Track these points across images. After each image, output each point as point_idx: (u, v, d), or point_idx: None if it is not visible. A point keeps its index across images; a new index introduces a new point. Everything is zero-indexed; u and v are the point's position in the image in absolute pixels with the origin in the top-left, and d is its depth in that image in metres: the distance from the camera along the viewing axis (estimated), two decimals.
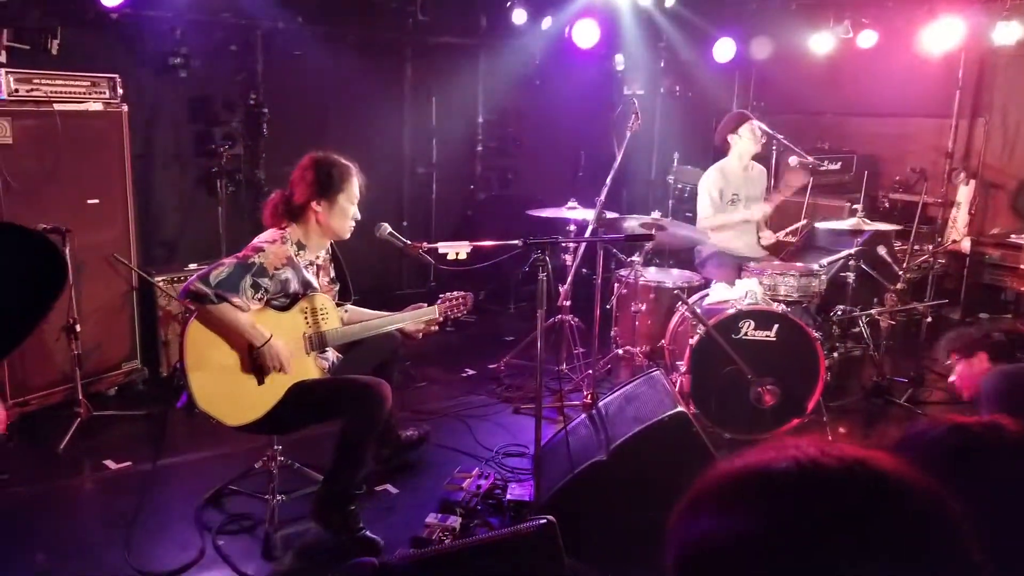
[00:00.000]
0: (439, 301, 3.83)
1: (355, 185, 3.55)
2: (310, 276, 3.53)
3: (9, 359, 4.38)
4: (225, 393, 3.30)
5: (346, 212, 3.52)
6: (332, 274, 3.78)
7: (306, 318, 3.50)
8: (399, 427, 4.17)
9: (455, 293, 3.86)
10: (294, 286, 3.44)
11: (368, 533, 3.42)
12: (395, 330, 3.79)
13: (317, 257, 3.63)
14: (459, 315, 3.91)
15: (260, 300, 3.32)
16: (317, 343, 3.51)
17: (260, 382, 3.35)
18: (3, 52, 4.76)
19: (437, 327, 3.85)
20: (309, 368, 3.50)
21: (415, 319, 3.75)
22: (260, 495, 3.65)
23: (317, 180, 3.45)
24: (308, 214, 3.48)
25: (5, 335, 1.13)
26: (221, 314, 3.23)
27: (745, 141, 5.48)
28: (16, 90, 4.33)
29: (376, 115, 7.21)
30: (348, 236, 3.60)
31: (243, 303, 3.26)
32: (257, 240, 3.43)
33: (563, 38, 7.13)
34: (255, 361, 3.33)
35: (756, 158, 5.67)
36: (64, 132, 4.47)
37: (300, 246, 3.49)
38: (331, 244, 3.73)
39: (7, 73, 4.31)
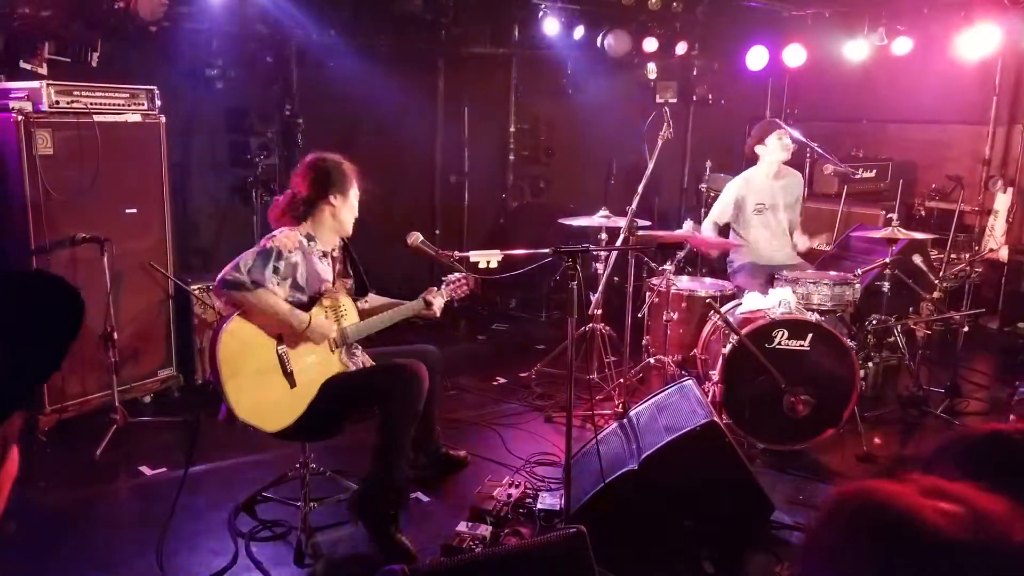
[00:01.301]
0: (443, 284, 3.88)
1: (357, 182, 3.68)
2: (322, 266, 3.58)
3: None
4: (261, 400, 3.35)
5: (355, 206, 3.65)
6: (348, 269, 3.82)
7: (327, 316, 3.56)
8: (441, 437, 4.17)
9: (455, 275, 3.90)
10: (301, 272, 3.47)
11: (404, 539, 3.44)
12: (433, 347, 3.88)
13: (332, 249, 3.68)
14: (463, 295, 3.95)
15: (279, 284, 3.40)
16: (340, 340, 3.59)
17: (292, 385, 3.40)
18: (44, 65, 4.86)
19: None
20: (335, 365, 3.56)
21: (419, 308, 3.80)
22: (293, 502, 3.67)
23: (331, 177, 3.56)
24: (322, 209, 3.56)
25: (22, 383, 1.15)
26: (261, 300, 3.31)
27: (772, 151, 5.44)
28: (57, 102, 4.42)
29: (409, 125, 7.26)
30: (351, 231, 3.68)
31: (275, 289, 3.36)
32: (267, 236, 3.52)
33: (595, 47, 7.14)
34: (284, 363, 3.39)
35: (791, 164, 5.62)
36: (103, 143, 4.55)
37: (310, 238, 3.56)
38: (343, 240, 3.76)
39: (48, 85, 4.41)
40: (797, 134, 5.49)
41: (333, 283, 3.65)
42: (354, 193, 3.64)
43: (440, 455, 4.12)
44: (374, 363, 3.76)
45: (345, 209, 3.61)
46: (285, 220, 3.57)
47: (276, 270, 3.38)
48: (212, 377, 3.33)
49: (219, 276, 3.35)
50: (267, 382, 3.36)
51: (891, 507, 0.85)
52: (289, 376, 3.40)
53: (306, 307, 3.50)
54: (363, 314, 3.73)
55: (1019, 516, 0.82)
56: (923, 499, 0.84)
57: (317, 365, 3.50)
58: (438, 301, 3.82)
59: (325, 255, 3.62)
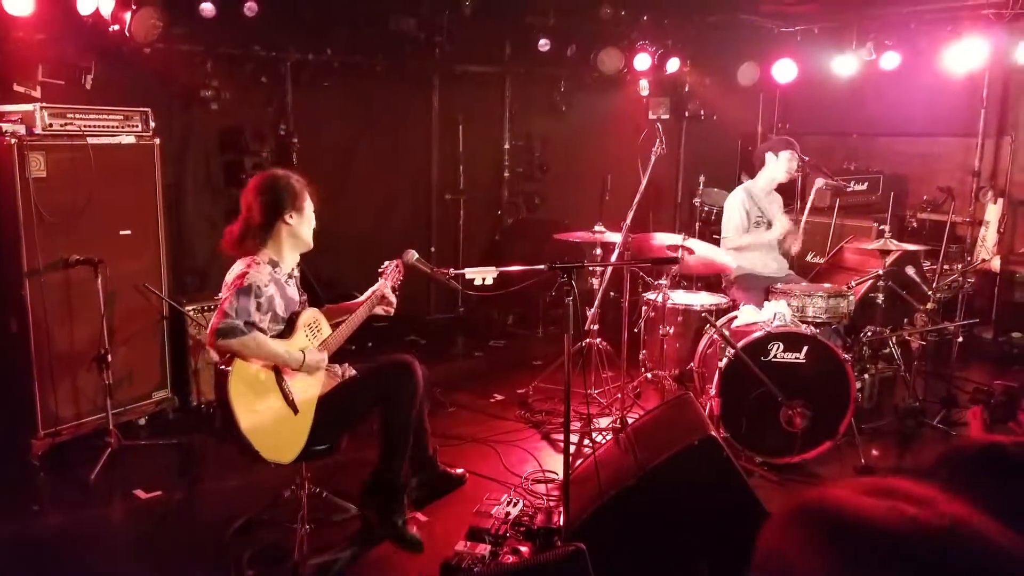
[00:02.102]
0: (381, 277, 3.78)
1: (309, 193, 3.57)
2: (292, 289, 3.55)
3: (41, 390, 4.45)
4: (277, 435, 3.36)
5: (311, 218, 3.55)
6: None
7: (307, 335, 3.56)
8: (438, 456, 4.16)
9: (387, 263, 3.82)
10: (278, 303, 3.44)
11: (413, 531, 3.49)
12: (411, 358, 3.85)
13: (293, 270, 3.60)
14: (399, 280, 3.83)
15: (262, 322, 3.35)
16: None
17: (295, 411, 3.41)
18: (38, 88, 4.88)
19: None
20: (321, 377, 3.57)
21: (374, 304, 3.73)
22: (289, 524, 3.64)
23: (281, 195, 3.44)
24: (278, 229, 3.46)
25: None
26: (257, 344, 3.27)
27: (780, 166, 5.48)
28: (51, 125, 4.42)
29: (404, 143, 7.29)
30: (312, 243, 3.59)
31: (264, 326, 3.33)
32: (235, 273, 3.38)
33: (588, 64, 7.18)
34: (286, 393, 3.38)
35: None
36: (97, 165, 4.56)
37: (274, 264, 3.47)
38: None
39: (42, 108, 4.41)
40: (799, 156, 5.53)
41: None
42: (309, 205, 3.53)
43: (437, 472, 4.09)
44: (356, 372, 3.76)
45: (303, 225, 3.52)
46: (245, 248, 3.47)
47: (259, 306, 3.33)
48: (227, 426, 3.28)
49: (210, 329, 3.26)
50: (277, 417, 3.36)
51: (829, 507, 0.87)
52: (292, 404, 3.40)
53: (289, 329, 3.49)
54: (332, 325, 3.72)
55: (944, 495, 0.85)
56: (862, 497, 0.87)
57: (308, 383, 3.51)
58: (388, 291, 3.74)
59: (291, 276, 3.58)
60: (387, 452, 3.56)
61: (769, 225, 5.50)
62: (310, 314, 3.61)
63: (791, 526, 0.90)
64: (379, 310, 3.75)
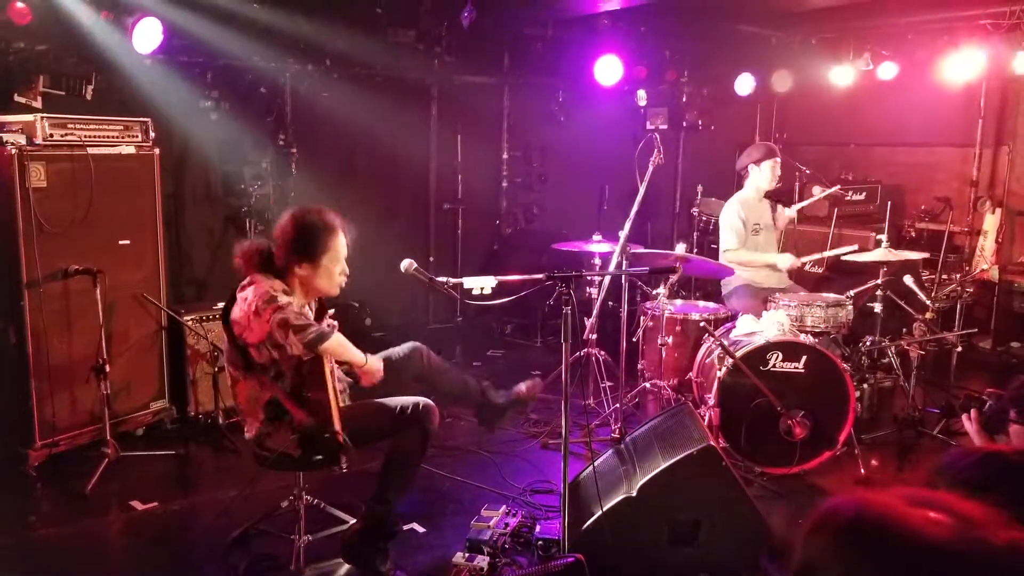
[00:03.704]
0: None
1: (341, 243, 3.40)
2: (310, 314, 3.49)
3: (38, 400, 4.45)
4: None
5: (332, 272, 3.39)
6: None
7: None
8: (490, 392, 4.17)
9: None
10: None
11: (399, 574, 3.41)
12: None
13: (304, 306, 3.45)
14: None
15: None
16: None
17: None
18: (39, 98, 4.89)
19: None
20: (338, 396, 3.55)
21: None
22: (286, 535, 3.64)
23: (298, 242, 3.31)
24: (291, 274, 3.37)
25: None
26: (337, 341, 3.34)
27: (764, 175, 5.49)
28: (51, 135, 4.44)
29: (403, 153, 7.30)
30: (337, 293, 3.48)
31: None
32: (262, 296, 3.22)
33: (586, 74, 7.20)
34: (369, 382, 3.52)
35: (778, 189, 5.68)
36: (97, 175, 4.57)
37: (286, 292, 3.35)
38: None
39: (42, 119, 4.42)
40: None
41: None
42: (330, 258, 3.35)
43: (500, 407, 4.13)
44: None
45: (318, 276, 3.36)
46: (251, 267, 3.38)
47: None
48: (332, 429, 3.28)
49: (300, 341, 3.16)
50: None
51: (879, 517, 0.86)
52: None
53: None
54: None
55: (998, 518, 0.84)
56: (910, 507, 0.86)
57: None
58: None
59: (304, 305, 3.47)
60: (387, 486, 3.46)
61: (766, 231, 5.51)
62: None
63: (837, 536, 0.89)
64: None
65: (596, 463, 3.76)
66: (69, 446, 4.60)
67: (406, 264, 3.67)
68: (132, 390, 4.92)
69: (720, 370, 4.51)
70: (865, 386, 5.22)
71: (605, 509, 3.42)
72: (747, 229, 5.50)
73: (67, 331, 4.55)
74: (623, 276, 5.04)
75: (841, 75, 7.26)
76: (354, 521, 3.69)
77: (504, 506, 3.95)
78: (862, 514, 0.87)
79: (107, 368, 4.47)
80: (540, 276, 3.38)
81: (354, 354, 3.48)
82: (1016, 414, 2.18)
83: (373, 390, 3.60)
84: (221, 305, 5.23)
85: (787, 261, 5.41)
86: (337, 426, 3.25)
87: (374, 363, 3.54)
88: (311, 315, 3.49)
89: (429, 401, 3.52)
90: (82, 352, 4.56)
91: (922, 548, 0.81)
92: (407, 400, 3.53)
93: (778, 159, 5.52)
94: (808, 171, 5.73)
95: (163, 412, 5.11)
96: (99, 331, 4.47)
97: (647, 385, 5.30)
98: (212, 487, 4.38)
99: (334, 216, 3.42)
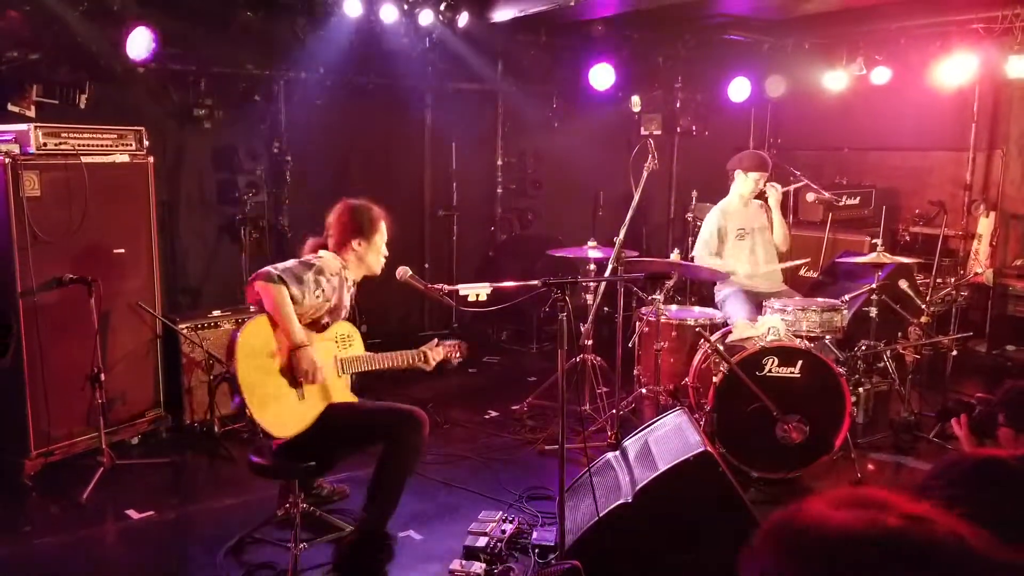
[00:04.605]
0: (441, 344, 3.92)
1: (384, 228, 3.84)
2: (347, 295, 3.72)
3: (33, 409, 4.43)
4: (271, 401, 3.37)
5: (380, 250, 3.80)
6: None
7: (336, 342, 3.64)
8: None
9: (453, 341, 4.00)
10: (333, 300, 3.60)
11: None
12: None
13: (353, 282, 3.81)
14: (454, 359, 3.99)
15: (318, 298, 3.50)
16: (344, 367, 3.64)
17: (301, 397, 3.44)
18: (32, 107, 4.88)
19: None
20: (342, 390, 3.61)
21: (414, 360, 3.83)
22: (282, 543, 3.63)
23: (356, 222, 3.73)
24: (348, 251, 3.73)
25: None
26: (280, 295, 3.37)
27: (748, 185, 5.51)
28: (44, 144, 4.43)
29: (397, 160, 7.31)
30: (379, 272, 3.85)
31: (300, 293, 3.42)
32: (310, 254, 3.68)
33: (580, 81, 7.22)
34: (294, 372, 3.42)
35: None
36: (91, 184, 4.56)
37: (344, 267, 3.72)
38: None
39: (36, 128, 4.41)
40: (778, 188, 5.54)
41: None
42: (380, 238, 3.80)
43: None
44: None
45: (371, 253, 3.77)
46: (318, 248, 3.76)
47: (318, 283, 3.50)
48: (228, 367, 3.42)
49: (253, 275, 3.47)
50: (278, 385, 3.40)
51: (800, 522, 0.90)
52: (299, 387, 3.44)
53: (322, 330, 3.61)
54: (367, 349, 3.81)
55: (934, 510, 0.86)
56: (835, 510, 0.89)
57: (326, 384, 3.52)
58: (435, 356, 3.86)
59: (354, 284, 3.80)
60: (377, 499, 3.50)
61: (752, 235, 5.51)
62: (350, 328, 3.76)
63: (766, 543, 0.92)
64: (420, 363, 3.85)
65: (593, 469, 3.75)
66: (64, 455, 4.58)
67: (401, 271, 3.69)
68: (127, 399, 4.91)
69: (716, 375, 4.51)
70: (861, 390, 5.22)
71: (602, 515, 3.41)
72: (724, 237, 5.50)
73: (62, 340, 4.53)
74: (618, 282, 5.04)
75: (835, 80, 7.29)
76: (350, 529, 3.69)
77: (501, 512, 3.94)
78: (786, 520, 0.91)
79: (102, 377, 4.46)
80: (535, 282, 3.38)
81: (292, 326, 3.40)
82: (1005, 418, 2.20)
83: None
84: (217, 313, 5.29)
85: (742, 269, 5.45)
86: (240, 379, 3.30)
87: (305, 356, 3.41)
88: (347, 297, 3.71)
89: (419, 411, 3.56)
90: (77, 361, 4.54)
91: (835, 540, 0.84)
92: (397, 407, 3.57)
93: (766, 174, 5.52)
94: (798, 173, 5.73)
95: (159, 421, 5.10)
96: (94, 340, 4.46)
97: (643, 391, 5.29)
98: (208, 496, 4.37)
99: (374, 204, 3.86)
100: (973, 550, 0.82)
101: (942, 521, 0.84)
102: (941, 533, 0.83)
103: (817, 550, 0.85)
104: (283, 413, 3.40)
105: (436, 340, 3.93)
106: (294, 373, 3.42)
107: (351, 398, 3.66)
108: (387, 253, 3.86)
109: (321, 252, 3.71)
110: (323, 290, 3.52)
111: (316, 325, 3.60)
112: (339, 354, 3.65)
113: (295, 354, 3.39)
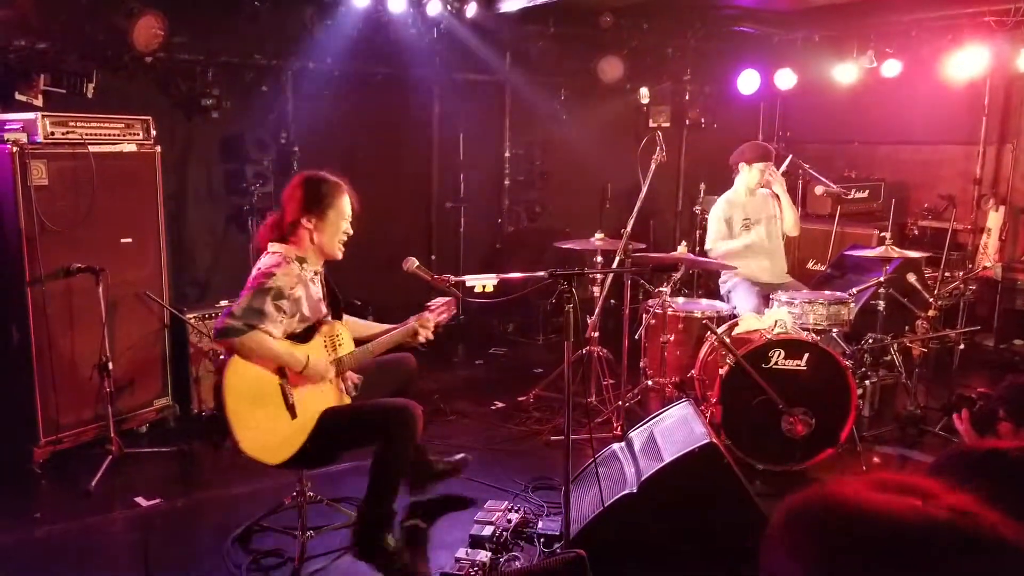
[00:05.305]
0: (427, 310, 3.81)
1: (345, 201, 3.53)
2: (317, 288, 3.54)
3: (42, 398, 4.46)
4: (265, 434, 3.33)
5: (336, 228, 3.49)
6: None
7: (326, 346, 3.55)
8: (428, 454, 4.15)
9: (438, 300, 3.85)
10: (305, 306, 3.45)
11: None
12: (409, 351, 3.87)
13: (317, 268, 3.59)
14: (445, 320, 3.85)
15: (282, 323, 3.33)
16: (340, 367, 3.58)
17: (293, 416, 3.38)
18: (40, 96, 4.89)
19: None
20: (332, 393, 3.56)
21: (406, 336, 3.72)
22: (290, 531, 3.65)
23: (306, 196, 3.45)
24: (300, 232, 3.46)
25: None
26: (255, 342, 3.23)
27: (753, 176, 5.51)
28: (52, 133, 4.44)
29: (404, 151, 7.30)
30: (340, 256, 3.56)
31: (272, 328, 3.28)
32: (263, 267, 3.38)
33: (589, 73, 7.20)
34: (286, 395, 3.37)
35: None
36: (98, 173, 4.57)
37: (301, 260, 3.47)
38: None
39: (43, 117, 4.42)
40: (776, 172, 5.52)
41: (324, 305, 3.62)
42: (335, 214, 3.49)
43: (432, 472, 4.10)
44: (360, 381, 3.72)
45: (324, 231, 3.46)
46: (271, 237, 3.51)
47: (280, 308, 3.29)
48: (218, 412, 3.31)
49: (214, 327, 3.30)
50: (270, 416, 3.34)
51: (833, 502, 0.87)
52: (291, 408, 3.38)
53: (307, 335, 3.48)
54: (356, 342, 3.72)
55: (975, 504, 0.85)
56: (873, 492, 0.85)
57: (316, 394, 3.49)
58: (425, 333, 3.74)
59: (316, 274, 3.58)
60: (376, 492, 3.49)
61: (758, 225, 5.51)
62: (334, 327, 3.61)
63: (796, 522, 0.90)
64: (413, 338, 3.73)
65: (598, 460, 3.76)
66: (73, 443, 4.61)
67: (408, 262, 3.68)
68: (135, 388, 4.93)
69: (722, 368, 4.51)
70: (867, 383, 5.21)
71: (607, 505, 3.42)
72: (731, 228, 5.51)
73: (70, 329, 4.56)
74: (625, 274, 5.04)
75: (845, 73, 7.25)
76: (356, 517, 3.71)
77: (506, 502, 3.96)
78: (824, 501, 0.87)
79: (110, 366, 4.48)
80: (542, 274, 3.37)
81: (284, 360, 3.33)
82: (1005, 412, 2.20)
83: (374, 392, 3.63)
84: (224, 303, 5.30)
85: (755, 236, 5.46)
86: (229, 411, 3.23)
87: (315, 370, 3.41)
88: (317, 290, 3.52)
89: (412, 404, 3.51)
90: (85, 350, 4.57)
91: (891, 531, 0.82)
92: (388, 403, 3.54)
93: (770, 163, 5.51)
94: (807, 166, 5.71)
95: (166, 410, 5.12)
96: (102, 329, 4.47)
97: (649, 383, 5.30)
98: (215, 484, 4.39)
99: (339, 177, 3.56)
100: (1018, 549, 0.81)
101: (987, 516, 0.83)
102: (986, 529, 0.82)
103: (855, 534, 0.83)
104: (278, 440, 3.36)
105: (425, 312, 3.78)
106: (310, 380, 3.42)
107: (344, 400, 3.60)
108: (350, 231, 3.56)
109: (268, 259, 3.40)
110: (285, 312, 3.33)
111: (299, 336, 3.48)
112: (330, 358, 3.56)
113: (305, 374, 3.38)
